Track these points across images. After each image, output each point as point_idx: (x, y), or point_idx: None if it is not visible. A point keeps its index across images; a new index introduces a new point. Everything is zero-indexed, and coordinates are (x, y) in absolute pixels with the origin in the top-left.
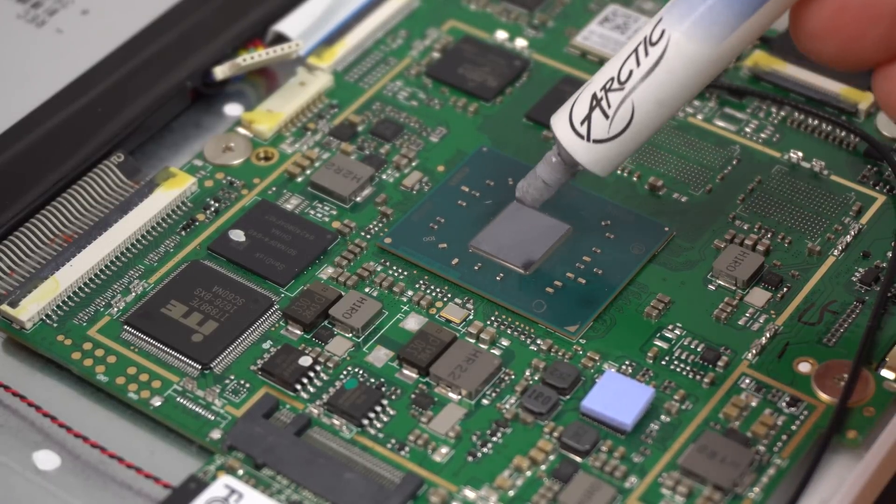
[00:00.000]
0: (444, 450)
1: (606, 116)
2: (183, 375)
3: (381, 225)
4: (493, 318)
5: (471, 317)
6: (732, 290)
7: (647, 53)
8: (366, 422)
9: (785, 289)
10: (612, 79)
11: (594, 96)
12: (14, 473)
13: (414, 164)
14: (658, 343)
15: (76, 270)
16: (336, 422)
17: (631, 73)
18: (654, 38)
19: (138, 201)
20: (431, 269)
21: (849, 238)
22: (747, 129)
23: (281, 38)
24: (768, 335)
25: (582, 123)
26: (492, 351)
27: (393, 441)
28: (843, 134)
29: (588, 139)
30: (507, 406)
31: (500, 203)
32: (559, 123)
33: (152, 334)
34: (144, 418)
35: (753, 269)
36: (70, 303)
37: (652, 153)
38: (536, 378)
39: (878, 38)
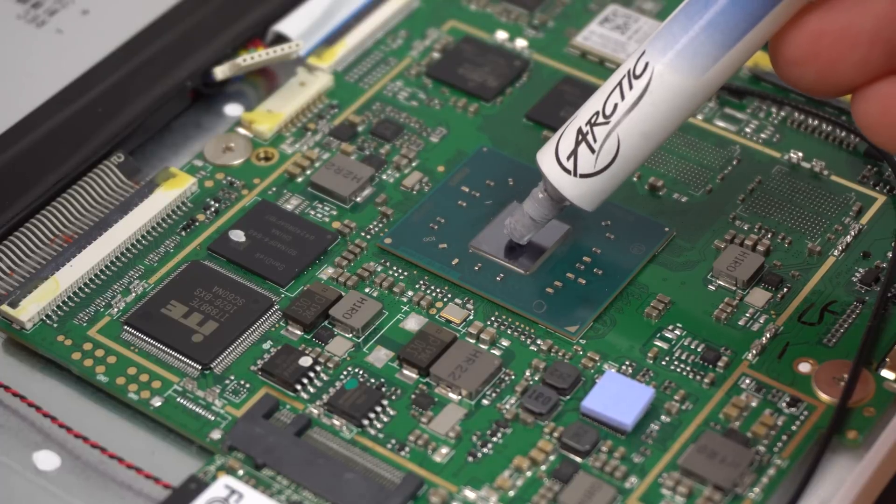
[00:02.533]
0: (444, 450)
1: (592, 151)
2: (183, 376)
3: (381, 225)
4: (493, 319)
5: (471, 317)
6: (732, 291)
7: (631, 86)
8: (366, 422)
9: (785, 289)
10: (598, 113)
11: (580, 131)
12: (14, 473)
13: (414, 164)
14: (658, 343)
15: (76, 270)
16: (336, 422)
17: (616, 106)
18: (638, 71)
19: (138, 201)
20: (431, 270)
21: (849, 238)
22: (747, 130)
23: (281, 38)
24: (768, 335)
25: (568, 158)
26: (492, 351)
27: (393, 441)
28: (843, 134)
29: (575, 174)
30: (508, 406)
31: (500, 203)
32: (545, 159)
33: (152, 334)
34: (144, 418)
35: (753, 269)
36: (70, 303)
37: (652, 153)
38: (536, 378)
39: (856, 62)
